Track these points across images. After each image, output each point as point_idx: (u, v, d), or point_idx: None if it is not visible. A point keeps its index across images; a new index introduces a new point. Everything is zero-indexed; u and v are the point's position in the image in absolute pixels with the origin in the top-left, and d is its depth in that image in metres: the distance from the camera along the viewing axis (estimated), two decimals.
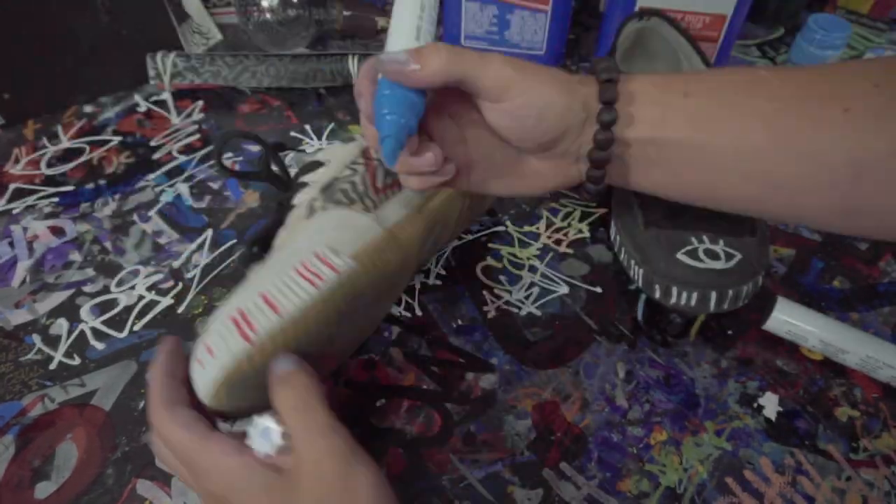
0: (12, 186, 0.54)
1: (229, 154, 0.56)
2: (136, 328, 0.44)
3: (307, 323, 0.30)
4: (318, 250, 0.33)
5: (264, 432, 0.29)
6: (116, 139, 0.58)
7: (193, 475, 0.29)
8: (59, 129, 0.59)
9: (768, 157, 0.30)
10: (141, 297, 0.45)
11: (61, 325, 0.44)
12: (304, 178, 0.39)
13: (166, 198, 0.52)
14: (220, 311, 0.31)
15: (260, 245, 0.39)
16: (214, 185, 0.53)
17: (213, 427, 0.29)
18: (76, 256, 0.48)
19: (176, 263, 0.48)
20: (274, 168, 0.42)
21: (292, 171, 0.42)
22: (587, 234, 0.49)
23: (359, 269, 0.33)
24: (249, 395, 0.30)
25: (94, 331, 0.43)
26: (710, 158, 0.31)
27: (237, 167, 0.55)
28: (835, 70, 0.30)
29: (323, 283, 0.31)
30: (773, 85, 0.30)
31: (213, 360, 0.29)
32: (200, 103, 0.61)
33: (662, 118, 0.31)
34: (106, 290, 0.46)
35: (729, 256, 0.38)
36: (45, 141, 0.57)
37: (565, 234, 0.49)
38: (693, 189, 0.33)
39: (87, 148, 0.57)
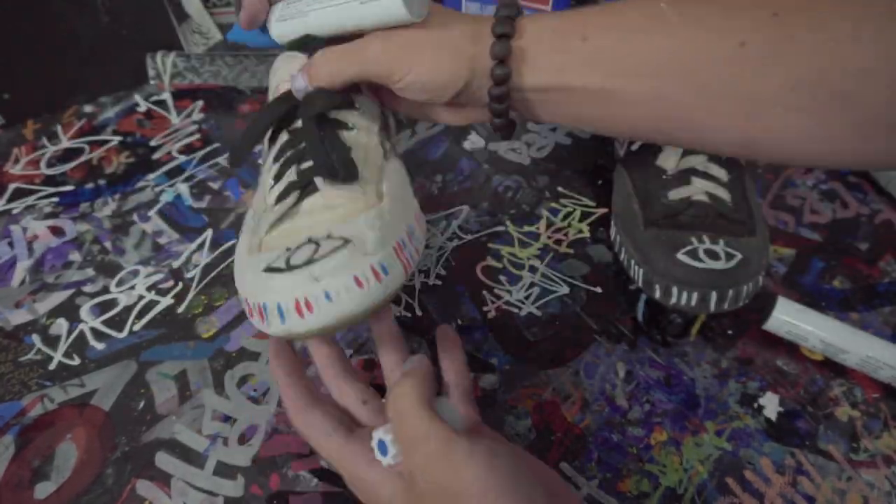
0: (12, 186, 0.54)
1: (229, 154, 0.56)
2: (135, 328, 0.44)
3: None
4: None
5: (380, 445, 0.29)
6: (116, 139, 0.58)
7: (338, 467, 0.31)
8: (59, 128, 0.59)
9: (668, 97, 0.30)
10: (141, 297, 0.45)
11: (61, 325, 0.44)
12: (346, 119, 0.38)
13: (166, 198, 0.52)
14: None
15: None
16: (214, 185, 0.53)
17: (350, 430, 0.31)
18: (76, 256, 0.48)
19: (176, 263, 0.47)
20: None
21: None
22: (587, 234, 0.49)
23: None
24: None
25: (94, 331, 0.43)
26: (611, 99, 0.32)
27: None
28: None
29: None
30: (672, 21, 0.30)
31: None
32: (200, 103, 0.61)
33: (561, 66, 0.32)
34: (106, 290, 0.46)
35: (729, 256, 0.38)
36: (44, 141, 0.57)
37: (565, 234, 0.49)
38: (597, 123, 0.35)
39: (87, 148, 0.57)
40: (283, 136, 0.37)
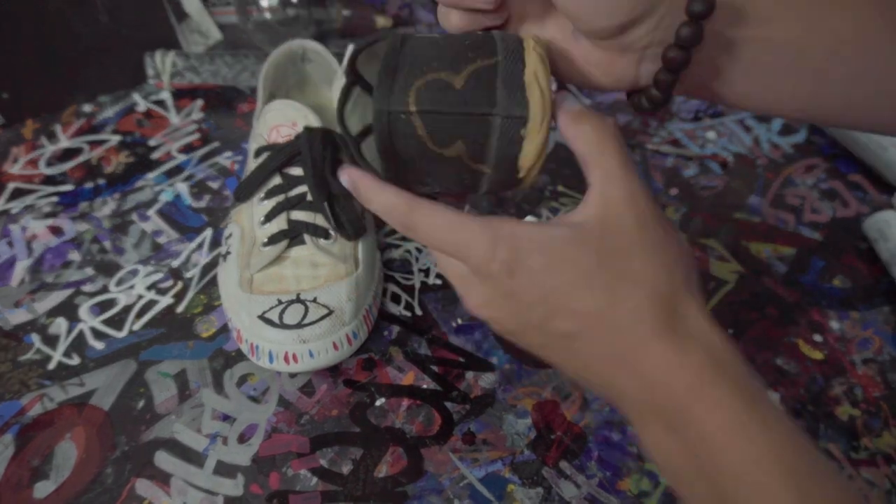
0: (11, 186, 0.53)
1: (228, 154, 0.56)
2: (135, 328, 0.43)
3: None
4: None
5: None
6: (115, 138, 0.58)
7: (479, 263, 0.26)
8: (58, 128, 0.59)
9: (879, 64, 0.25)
10: (140, 297, 0.45)
11: (60, 325, 0.44)
12: None
13: (166, 197, 0.52)
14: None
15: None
16: (214, 185, 0.53)
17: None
18: (75, 256, 0.48)
19: (175, 263, 0.47)
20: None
21: None
22: None
23: None
24: None
25: (94, 330, 0.43)
26: (817, 63, 0.26)
27: (236, 167, 0.55)
28: None
29: None
30: None
31: None
32: (200, 103, 0.61)
33: (770, 16, 0.25)
34: (105, 289, 0.46)
35: None
36: (43, 140, 0.57)
37: None
38: (788, 101, 0.28)
39: (86, 147, 0.57)
40: (276, 179, 0.43)
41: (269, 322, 0.38)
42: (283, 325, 0.38)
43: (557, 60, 0.28)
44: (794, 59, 0.26)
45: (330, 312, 0.39)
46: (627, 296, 0.24)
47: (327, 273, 0.41)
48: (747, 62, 0.26)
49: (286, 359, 0.38)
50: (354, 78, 0.31)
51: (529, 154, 0.26)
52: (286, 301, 0.39)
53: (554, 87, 0.27)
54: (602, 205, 0.25)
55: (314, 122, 0.44)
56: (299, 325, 0.38)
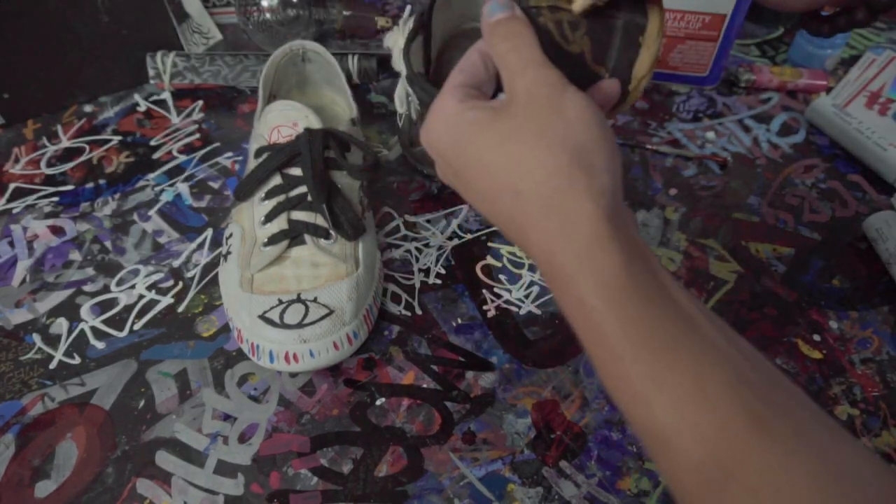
0: (12, 186, 0.54)
1: (229, 154, 0.56)
2: (136, 327, 0.44)
3: None
4: None
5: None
6: (116, 139, 0.58)
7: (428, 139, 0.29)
8: (59, 128, 0.59)
9: None
10: (141, 297, 0.45)
11: (61, 325, 0.44)
12: None
13: (166, 197, 0.52)
14: None
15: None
16: (214, 185, 0.53)
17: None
18: (76, 256, 0.48)
19: (176, 263, 0.48)
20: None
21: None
22: None
23: None
24: None
25: (94, 330, 0.43)
26: None
27: (237, 167, 0.55)
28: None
29: None
30: None
31: None
32: (200, 103, 0.61)
33: None
34: (106, 289, 0.46)
35: None
36: (45, 140, 0.57)
37: None
38: None
39: (87, 147, 0.57)
40: (276, 179, 0.43)
41: (269, 322, 0.38)
42: (283, 325, 0.38)
43: None
44: None
45: (330, 312, 0.39)
46: (546, 156, 0.25)
47: (328, 273, 0.41)
48: None
49: (287, 358, 0.38)
50: (422, 29, 0.33)
51: (645, 62, 0.28)
52: (287, 301, 0.39)
53: None
54: (517, 90, 0.26)
55: (315, 122, 0.44)
56: (300, 325, 0.38)
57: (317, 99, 0.56)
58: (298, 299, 0.39)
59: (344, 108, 0.55)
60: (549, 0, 0.28)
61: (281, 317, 0.38)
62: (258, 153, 0.44)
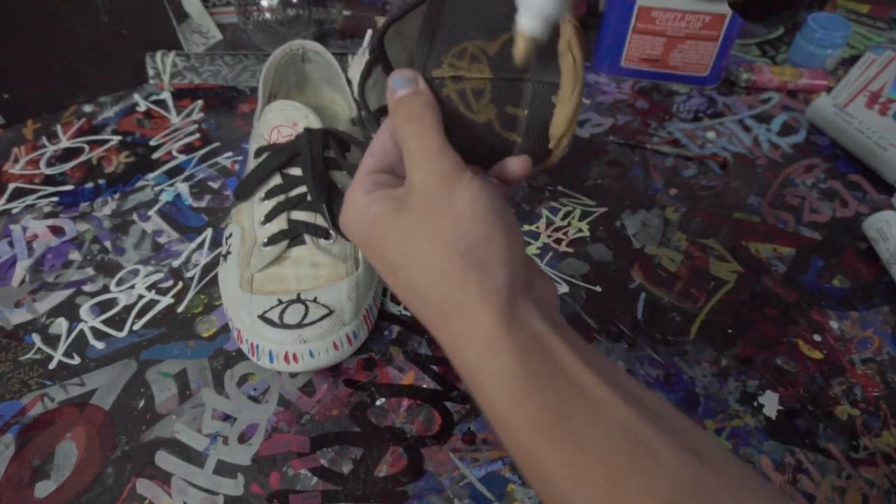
0: (12, 186, 0.54)
1: (229, 154, 0.56)
2: (135, 327, 0.44)
3: None
4: None
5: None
6: (116, 139, 0.58)
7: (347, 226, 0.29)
8: (59, 128, 0.59)
9: None
10: (141, 297, 0.45)
11: (61, 325, 0.44)
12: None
13: (166, 197, 0.52)
14: None
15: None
16: (214, 185, 0.53)
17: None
18: (76, 256, 0.48)
19: (176, 263, 0.47)
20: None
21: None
22: (587, 233, 0.49)
23: None
24: None
25: (94, 330, 0.43)
26: None
27: (236, 167, 0.55)
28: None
29: None
30: None
31: None
32: (200, 103, 0.61)
33: None
34: (105, 289, 0.46)
35: None
36: (44, 140, 0.57)
37: (565, 234, 0.49)
38: None
39: (87, 147, 0.57)
40: (276, 179, 0.43)
41: (269, 322, 0.38)
42: (283, 325, 0.38)
43: None
44: None
45: (330, 312, 0.39)
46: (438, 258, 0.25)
47: (328, 273, 0.41)
48: None
49: (286, 358, 0.38)
50: (379, 55, 0.32)
51: (560, 122, 0.27)
52: (286, 301, 0.39)
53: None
54: (414, 181, 0.26)
55: (314, 122, 0.44)
56: (300, 325, 0.38)
57: (317, 99, 0.56)
58: (298, 299, 0.39)
59: (344, 107, 0.55)
60: (453, 69, 0.27)
61: (281, 317, 0.38)
62: (258, 153, 0.44)
